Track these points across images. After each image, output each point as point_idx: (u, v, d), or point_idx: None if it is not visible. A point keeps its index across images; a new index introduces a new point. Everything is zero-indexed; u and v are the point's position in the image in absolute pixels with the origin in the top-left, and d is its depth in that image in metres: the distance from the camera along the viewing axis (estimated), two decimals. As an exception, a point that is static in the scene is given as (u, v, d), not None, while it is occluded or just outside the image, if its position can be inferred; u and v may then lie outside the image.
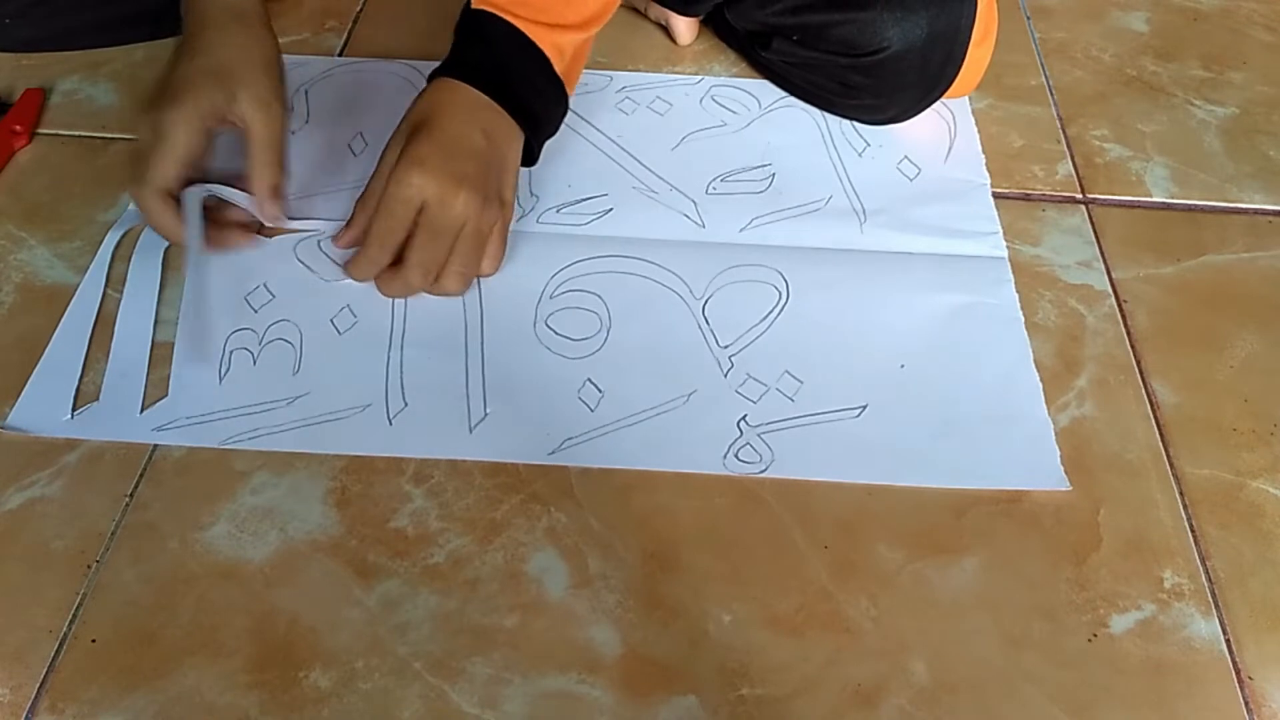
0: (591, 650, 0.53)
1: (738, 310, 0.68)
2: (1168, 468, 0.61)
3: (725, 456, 0.61)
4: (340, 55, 0.88)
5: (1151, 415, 0.64)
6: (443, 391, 0.63)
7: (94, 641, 0.53)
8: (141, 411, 0.62)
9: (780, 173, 0.77)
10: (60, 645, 0.53)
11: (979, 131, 0.82)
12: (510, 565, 0.56)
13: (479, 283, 0.68)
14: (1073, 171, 0.80)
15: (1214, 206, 0.78)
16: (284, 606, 0.54)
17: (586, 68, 0.77)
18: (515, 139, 0.67)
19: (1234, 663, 0.54)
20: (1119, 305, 0.70)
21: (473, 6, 0.68)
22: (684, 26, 0.88)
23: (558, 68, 0.68)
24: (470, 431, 0.61)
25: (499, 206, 0.66)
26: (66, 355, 0.64)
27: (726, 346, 0.66)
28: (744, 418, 0.63)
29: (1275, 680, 0.53)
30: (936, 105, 0.80)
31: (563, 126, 0.72)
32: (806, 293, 0.69)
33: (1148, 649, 0.54)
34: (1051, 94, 0.87)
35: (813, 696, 0.52)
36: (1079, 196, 0.78)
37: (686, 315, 0.68)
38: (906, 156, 0.79)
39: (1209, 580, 0.57)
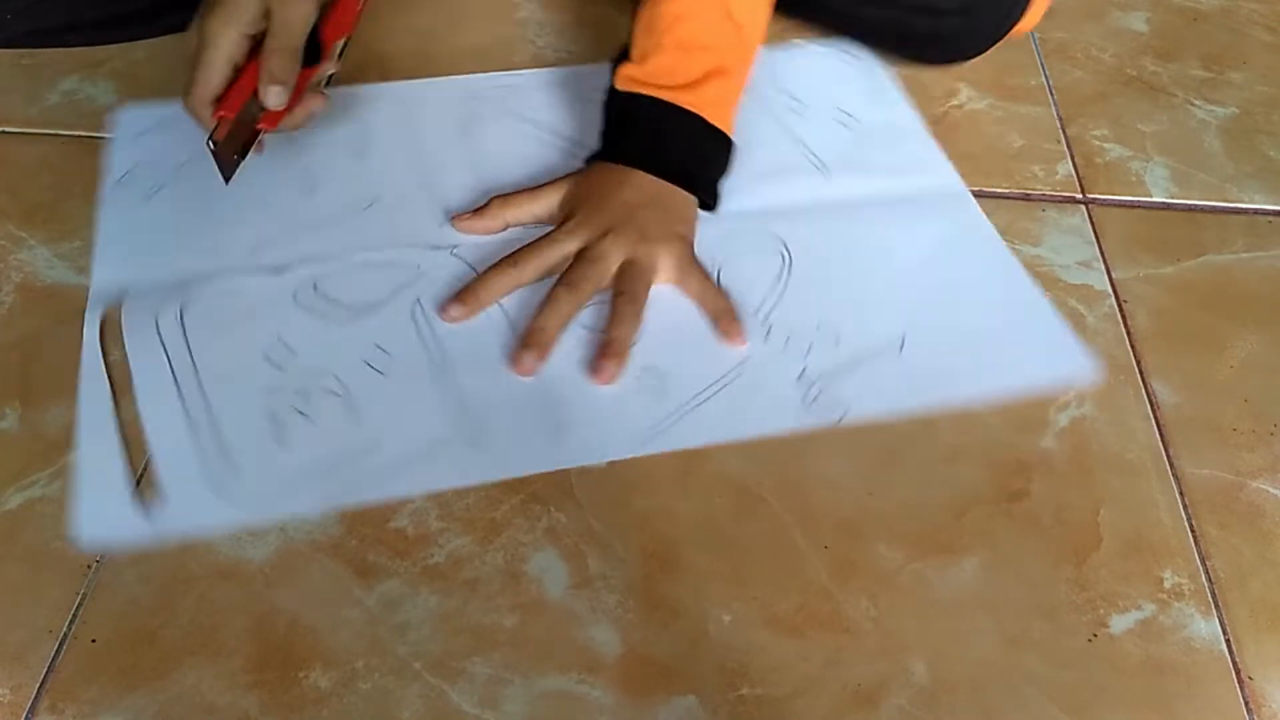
0: (591, 650, 0.53)
1: (751, 278, 0.69)
2: (1168, 468, 0.61)
3: (800, 411, 0.63)
4: (340, 55, 0.88)
5: (1151, 415, 0.64)
6: (515, 409, 0.62)
7: (94, 641, 0.53)
8: (209, 492, 0.58)
9: (735, 144, 0.76)
10: (60, 645, 0.53)
11: (979, 131, 0.82)
12: (510, 565, 0.56)
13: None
14: (1073, 171, 0.80)
15: (1214, 206, 0.78)
16: (284, 606, 0.54)
17: (546, 64, 0.84)
18: (679, 194, 0.70)
19: (1234, 663, 0.54)
20: (1119, 305, 0.70)
21: (617, 89, 0.72)
22: None
23: (712, 118, 0.70)
24: (555, 440, 0.61)
25: (660, 243, 0.67)
26: (101, 457, 0.59)
27: (757, 312, 0.67)
28: (803, 373, 0.65)
29: (1275, 680, 0.53)
30: (844, 50, 0.84)
31: (517, 124, 0.75)
32: (806, 248, 0.72)
33: (1148, 649, 0.54)
34: (1051, 94, 0.87)
35: (813, 696, 0.52)
36: (1079, 196, 0.78)
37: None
38: (838, 107, 0.81)
39: (1209, 580, 0.57)
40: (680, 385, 0.64)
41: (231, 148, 0.68)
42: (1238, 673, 0.53)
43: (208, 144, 0.68)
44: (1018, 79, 0.86)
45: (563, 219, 0.69)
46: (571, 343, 0.65)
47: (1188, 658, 0.54)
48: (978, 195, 0.77)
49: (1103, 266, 0.73)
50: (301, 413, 0.61)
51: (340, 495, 0.58)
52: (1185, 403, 0.65)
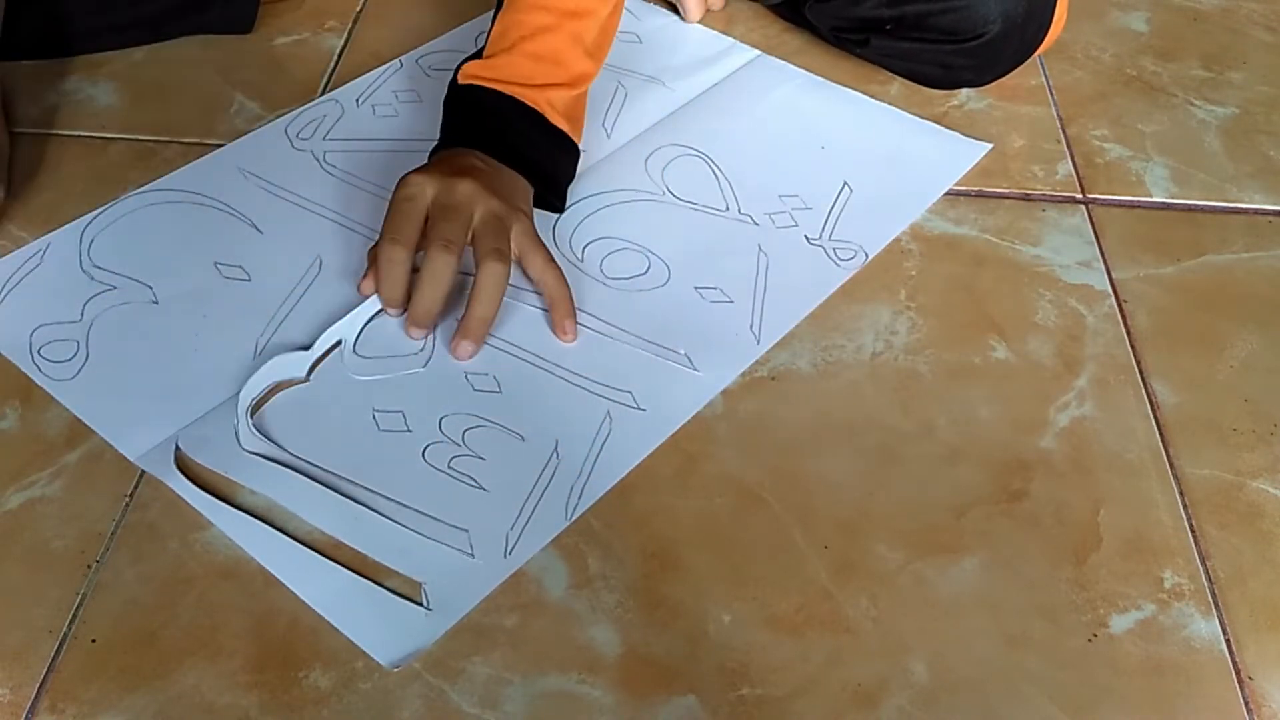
0: (591, 650, 0.53)
1: (697, 189, 0.76)
2: (1168, 468, 0.61)
3: (831, 272, 0.71)
4: (340, 55, 0.88)
5: (1151, 415, 0.64)
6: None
7: (94, 641, 0.53)
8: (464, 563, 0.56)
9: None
10: (60, 645, 0.53)
11: (979, 131, 0.82)
12: (510, 565, 0.56)
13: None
14: (1073, 171, 0.80)
15: (1214, 206, 0.78)
16: (284, 606, 0.54)
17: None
18: (520, 179, 0.69)
19: (1234, 663, 0.54)
20: (1119, 305, 0.70)
21: (459, 83, 0.71)
22: (694, 2, 0.89)
23: (555, 120, 0.70)
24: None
25: (510, 209, 0.65)
26: (339, 589, 0.55)
27: (725, 210, 0.75)
28: (806, 239, 0.73)
29: (1275, 680, 0.53)
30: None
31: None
32: (713, 142, 0.80)
33: (1148, 649, 0.54)
34: (1051, 94, 0.87)
35: (813, 696, 0.52)
36: (1079, 196, 0.78)
37: (684, 216, 0.75)
38: (629, 30, 0.90)
39: (1209, 580, 0.57)
40: (741, 292, 0.69)
41: None
42: (1238, 673, 0.53)
43: None
44: (1018, 79, 0.86)
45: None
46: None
47: (1188, 658, 0.54)
48: (978, 195, 0.77)
49: (1103, 266, 0.73)
50: (465, 472, 0.60)
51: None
52: (1185, 403, 0.65)
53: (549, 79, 0.70)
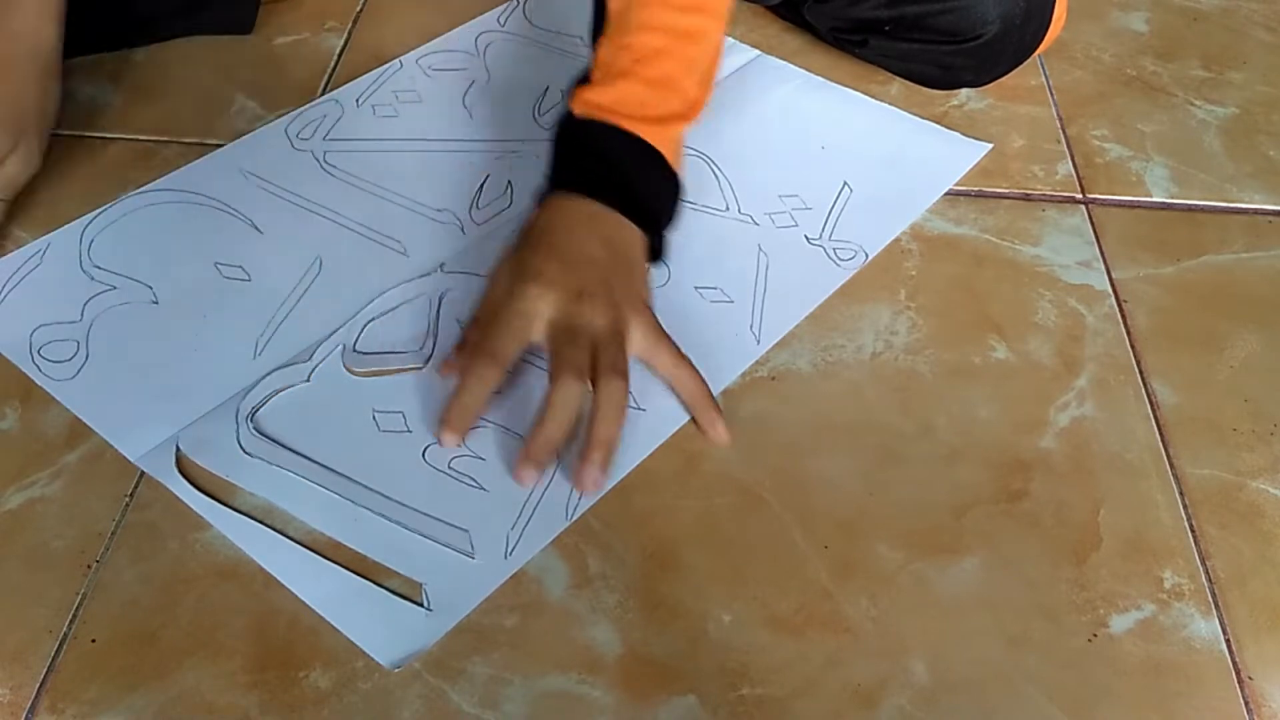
0: (591, 650, 0.53)
1: (697, 189, 0.75)
2: (1168, 468, 0.61)
3: (831, 272, 0.71)
4: (340, 55, 0.88)
5: (1151, 415, 0.64)
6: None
7: (94, 641, 0.53)
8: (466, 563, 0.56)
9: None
10: (60, 645, 0.53)
11: (979, 131, 0.82)
12: (510, 565, 0.56)
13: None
14: (1073, 171, 0.80)
15: (1214, 206, 0.78)
16: (284, 606, 0.54)
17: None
18: (639, 243, 0.65)
19: (1234, 663, 0.54)
20: (1119, 305, 0.70)
21: (575, 115, 0.66)
22: None
23: (671, 162, 0.66)
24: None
25: (629, 310, 0.62)
26: (338, 590, 0.55)
27: (725, 210, 0.75)
28: (806, 239, 0.73)
29: (1275, 680, 0.53)
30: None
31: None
32: (713, 142, 0.79)
33: (1148, 649, 0.54)
34: (1051, 94, 0.87)
35: (813, 696, 0.52)
36: (1079, 196, 0.78)
37: (684, 216, 0.71)
38: None
39: (1209, 580, 0.57)
40: (741, 292, 0.69)
41: None
42: (1238, 673, 0.53)
43: None
44: (1018, 79, 0.86)
45: (520, 254, 0.63)
46: None
47: (1188, 658, 0.54)
48: (978, 195, 0.77)
49: (1103, 266, 0.73)
50: (465, 472, 0.60)
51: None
52: (1185, 403, 0.65)
53: (665, 108, 0.66)
